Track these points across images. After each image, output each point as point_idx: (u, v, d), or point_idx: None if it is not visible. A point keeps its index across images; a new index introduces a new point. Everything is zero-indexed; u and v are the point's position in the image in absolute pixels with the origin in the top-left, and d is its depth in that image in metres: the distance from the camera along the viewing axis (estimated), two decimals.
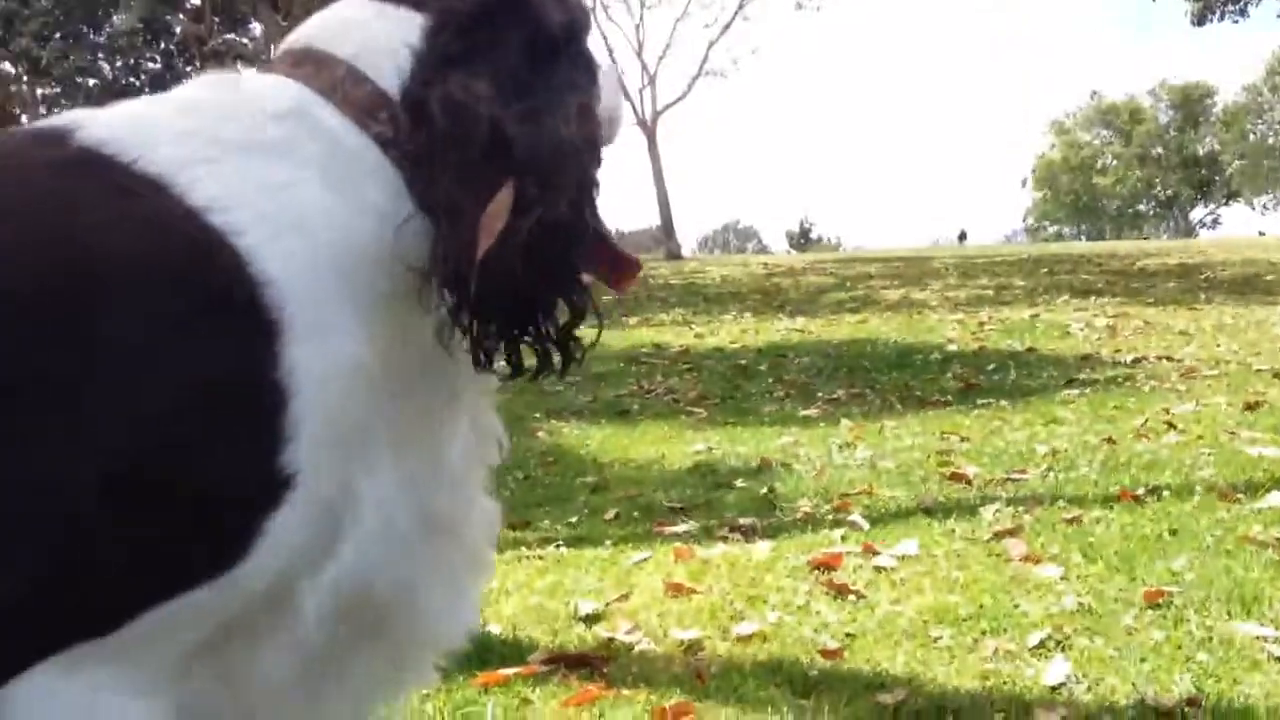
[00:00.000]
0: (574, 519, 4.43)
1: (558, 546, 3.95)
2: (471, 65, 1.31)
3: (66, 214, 1.14)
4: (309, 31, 1.41)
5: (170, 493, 1.10)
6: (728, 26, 32.64)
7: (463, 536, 1.38)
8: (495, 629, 3.06)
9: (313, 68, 1.34)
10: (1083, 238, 61.32)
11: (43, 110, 30.45)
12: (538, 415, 7.19)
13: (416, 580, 1.30)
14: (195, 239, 1.16)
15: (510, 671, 2.70)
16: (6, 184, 1.17)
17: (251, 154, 1.24)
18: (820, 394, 7.64)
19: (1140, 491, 4.19)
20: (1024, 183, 72.24)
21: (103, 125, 1.22)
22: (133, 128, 1.23)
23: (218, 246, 1.16)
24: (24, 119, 30.24)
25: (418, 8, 1.37)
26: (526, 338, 1.32)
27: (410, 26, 1.35)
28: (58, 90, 30.52)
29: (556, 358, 1.34)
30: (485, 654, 2.86)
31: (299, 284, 1.18)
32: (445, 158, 1.27)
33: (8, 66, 30.03)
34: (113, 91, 29.21)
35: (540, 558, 3.83)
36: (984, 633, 2.90)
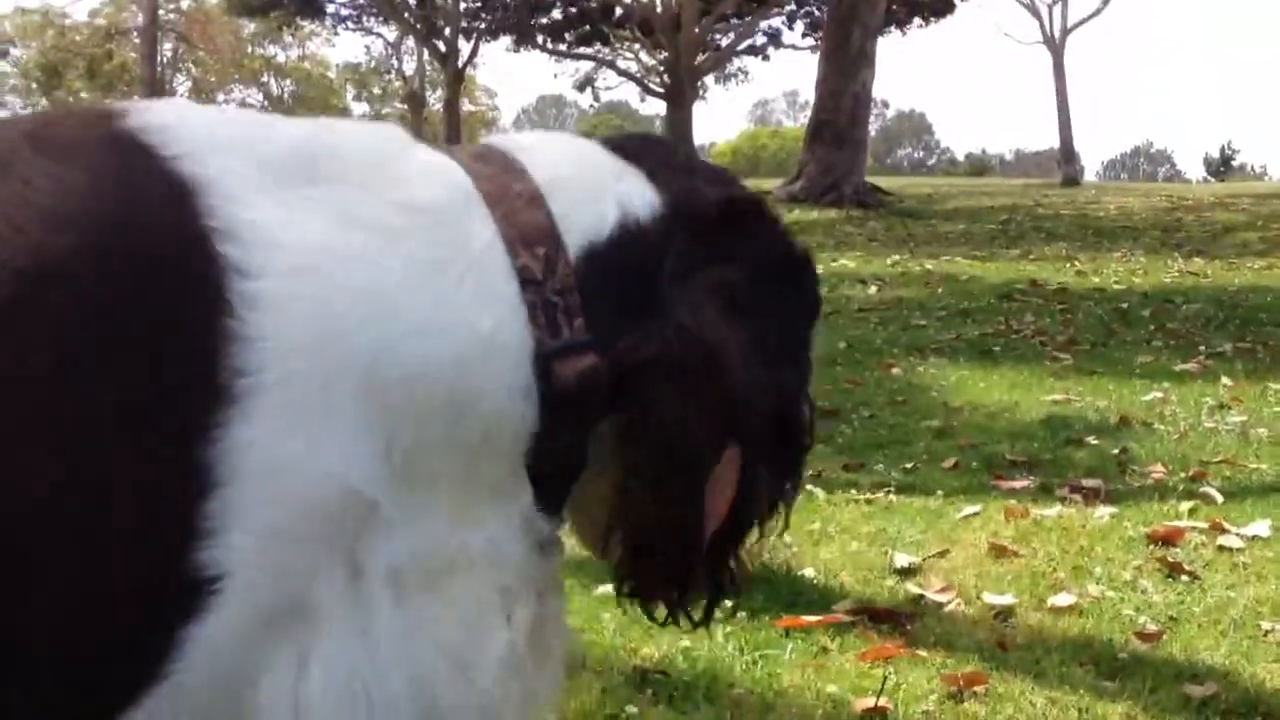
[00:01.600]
0: (910, 464, 4.42)
1: (888, 492, 3.97)
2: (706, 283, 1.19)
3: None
4: (514, 139, 1.27)
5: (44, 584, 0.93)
6: None
7: None
8: (809, 572, 3.14)
9: (494, 170, 1.16)
10: None
11: (464, 23, 32.49)
12: (895, 350, 7.16)
13: None
14: (196, 268, 1.00)
15: (813, 618, 2.77)
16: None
17: (369, 231, 1.07)
18: (1203, 347, 7.15)
19: None
20: None
21: (161, 113, 1.09)
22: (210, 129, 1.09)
23: (217, 277, 0.99)
24: (447, 31, 32.37)
25: (651, 179, 1.22)
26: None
27: (637, 195, 1.20)
28: (479, 4, 32.46)
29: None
30: (794, 596, 2.95)
31: (290, 351, 0.99)
32: (685, 390, 1.16)
33: None
34: (527, 6, 30.79)
35: (869, 502, 3.87)
36: None
